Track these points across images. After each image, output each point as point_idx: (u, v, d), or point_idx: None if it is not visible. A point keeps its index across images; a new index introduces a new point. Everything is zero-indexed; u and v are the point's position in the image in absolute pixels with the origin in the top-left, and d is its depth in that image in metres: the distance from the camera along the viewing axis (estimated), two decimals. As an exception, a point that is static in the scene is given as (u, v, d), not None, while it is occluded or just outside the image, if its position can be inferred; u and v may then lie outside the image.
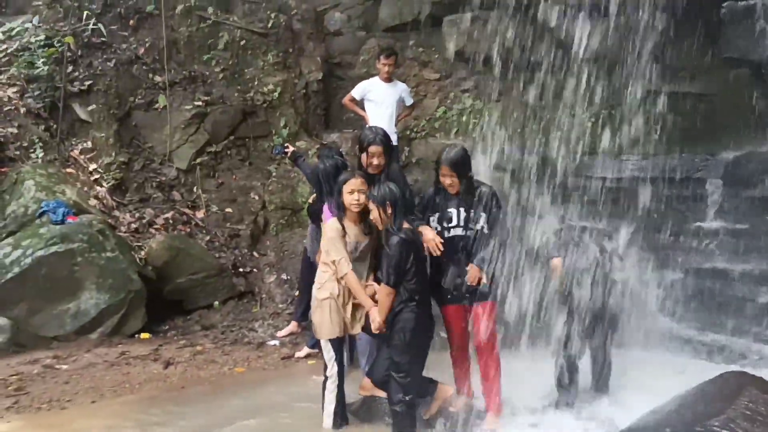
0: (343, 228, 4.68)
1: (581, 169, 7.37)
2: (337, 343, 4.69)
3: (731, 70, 6.84)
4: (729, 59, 6.70)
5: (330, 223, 4.76)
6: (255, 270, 7.95)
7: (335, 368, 4.67)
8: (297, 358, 6.33)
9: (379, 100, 7.58)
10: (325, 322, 4.67)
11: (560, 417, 4.92)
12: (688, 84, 7.22)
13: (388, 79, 7.57)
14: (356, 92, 7.70)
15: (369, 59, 9.46)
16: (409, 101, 7.81)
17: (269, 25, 9.21)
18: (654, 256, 6.53)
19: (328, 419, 4.70)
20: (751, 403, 3.62)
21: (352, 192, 4.61)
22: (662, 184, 6.74)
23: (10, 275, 6.44)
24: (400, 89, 7.71)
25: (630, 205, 6.75)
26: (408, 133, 8.75)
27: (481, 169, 7.58)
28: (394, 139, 7.62)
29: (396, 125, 7.72)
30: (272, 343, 6.72)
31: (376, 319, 4.47)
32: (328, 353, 4.69)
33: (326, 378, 4.72)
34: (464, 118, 8.50)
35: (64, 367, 5.96)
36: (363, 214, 4.69)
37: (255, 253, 8.14)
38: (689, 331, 6.15)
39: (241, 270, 7.84)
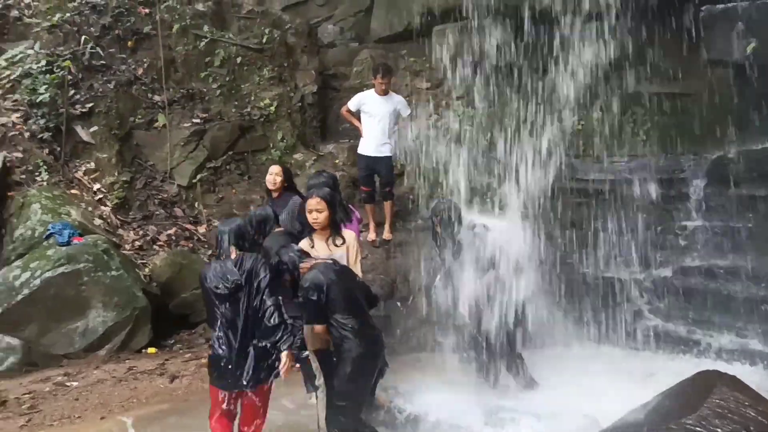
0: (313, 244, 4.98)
1: (570, 171, 7.54)
2: (321, 355, 4.86)
3: (713, 71, 7.00)
4: (710, 61, 6.87)
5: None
6: (257, 282, 8.15)
7: (322, 378, 4.84)
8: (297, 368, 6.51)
9: (373, 113, 7.78)
10: (308, 333, 4.85)
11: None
12: (671, 85, 7.38)
13: (384, 93, 7.77)
14: (352, 104, 7.90)
15: (362, 70, 9.68)
16: (405, 112, 7.99)
17: (264, 40, 9.43)
18: (641, 255, 6.71)
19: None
20: (722, 401, 3.80)
21: (310, 212, 4.91)
22: (648, 184, 6.91)
23: (20, 297, 6.69)
24: (396, 101, 7.89)
25: (616, 206, 6.93)
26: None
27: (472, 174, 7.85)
28: (387, 149, 7.84)
29: (390, 137, 7.91)
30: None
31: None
32: (314, 363, 4.89)
33: (316, 388, 4.91)
34: (456, 126, 8.67)
35: (75, 384, 6.19)
36: (333, 228, 4.99)
37: (257, 265, 8.34)
38: (676, 328, 6.30)
39: (243, 282, 8.05)
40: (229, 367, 4.24)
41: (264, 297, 4.27)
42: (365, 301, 4.76)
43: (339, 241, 4.98)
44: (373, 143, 7.79)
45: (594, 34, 7.65)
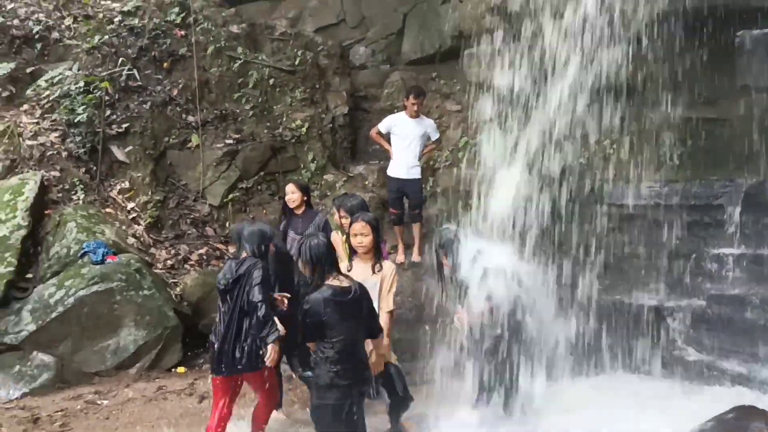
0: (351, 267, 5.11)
1: (601, 195, 7.47)
2: None
3: (749, 96, 6.89)
4: (746, 86, 6.77)
5: None
6: (286, 302, 8.21)
7: None
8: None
9: (403, 135, 7.82)
10: None
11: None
12: (705, 109, 7.28)
13: (415, 115, 7.81)
14: (383, 126, 7.96)
15: (393, 92, 9.75)
16: (435, 136, 8.03)
17: (296, 62, 9.56)
18: (674, 282, 6.60)
19: None
20: (758, 439, 3.72)
21: (355, 235, 5.12)
22: (681, 211, 6.81)
23: (54, 314, 6.83)
24: (426, 125, 7.93)
25: (648, 232, 6.84)
26: (432, 164, 8.96)
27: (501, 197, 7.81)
28: (417, 172, 7.86)
29: (420, 159, 7.93)
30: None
31: None
32: None
33: None
34: (485, 149, 8.65)
35: (105, 402, 6.28)
36: (376, 254, 5.17)
37: (286, 286, 8.40)
38: (710, 358, 6.17)
39: (273, 302, 8.11)
40: (222, 353, 4.86)
41: (254, 293, 4.79)
42: (366, 332, 4.54)
43: (378, 268, 5.07)
44: (403, 166, 7.82)
45: (628, 57, 7.64)
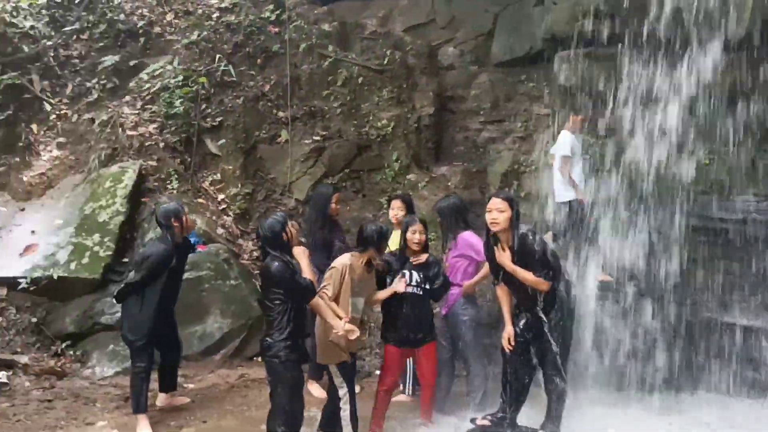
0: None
1: (696, 207, 7.23)
2: (342, 368, 5.12)
3: None
4: None
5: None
6: (365, 298, 8.33)
7: (345, 388, 5.10)
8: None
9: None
10: (325, 348, 5.14)
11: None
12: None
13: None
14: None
15: (480, 93, 9.69)
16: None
17: (385, 61, 9.63)
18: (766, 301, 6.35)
19: None
20: None
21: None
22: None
23: (147, 300, 7.15)
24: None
25: (742, 248, 6.58)
26: (518, 167, 8.88)
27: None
28: None
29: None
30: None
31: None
32: (338, 378, 5.09)
33: (339, 400, 5.11)
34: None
35: (191, 386, 6.55)
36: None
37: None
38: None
39: (352, 297, 8.25)
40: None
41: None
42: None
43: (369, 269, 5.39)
44: None
45: (725, 64, 7.35)
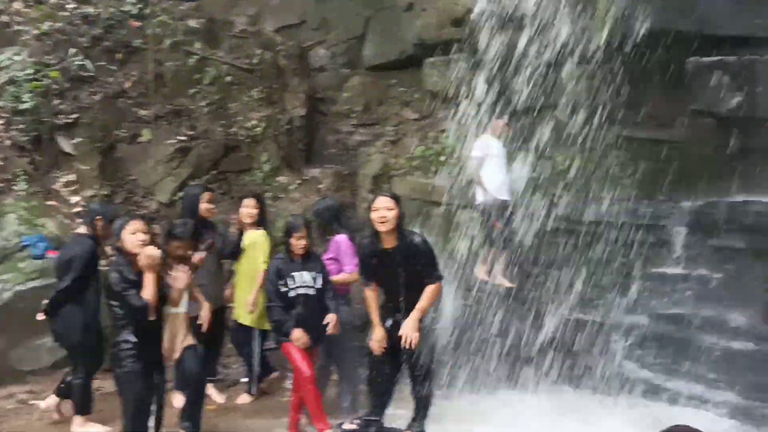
0: None
1: (553, 210, 7.56)
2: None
3: (699, 121, 7.05)
4: (696, 111, 6.93)
5: None
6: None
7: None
8: None
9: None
10: None
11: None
12: (657, 131, 7.43)
13: None
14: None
15: (352, 96, 9.70)
16: None
17: (255, 61, 9.42)
18: (618, 299, 6.73)
19: None
20: (693, 460, 3.77)
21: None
22: (629, 229, 6.94)
23: (-10, 309, 6.57)
24: None
25: (598, 249, 6.95)
26: (388, 170, 8.94)
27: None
28: None
29: None
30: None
31: None
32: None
33: None
34: (443, 158, 8.68)
35: (37, 402, 6.04)
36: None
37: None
38: (650, 375, 6.29)
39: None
40: None
41: None
42: None
43: None
44: None
45: (584, 77, 7.76)
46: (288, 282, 5.41)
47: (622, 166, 7.37)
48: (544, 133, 7.95)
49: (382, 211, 4.87)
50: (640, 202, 7.07)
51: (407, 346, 4.93)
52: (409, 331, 4.90)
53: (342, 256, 6.02)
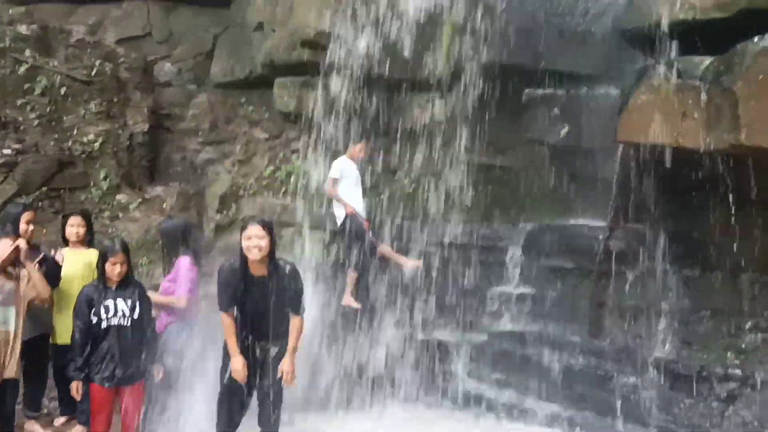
0: None
1: (400, 233, 7.75)
2: None
3: (533, 149, 7.55)
4: (531, 139, 7.41)
5: None
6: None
7: None
8: None
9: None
10: None
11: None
12: (495, 157, 7.86)
13: None
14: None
15: (199, 113, 9.42)
16: None
17: (93, 72, 8.91)
18: (460, 318, 7.00)
19: None
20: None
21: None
22: (470, 251, 7.25)
23: None
24: None
25: (440, 270, 7.20)
26: (236, 190, 8.75)
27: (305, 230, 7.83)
28: None
29: None
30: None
31: None
32: None
33: None
34: (292, 179, 8.63)
35: None
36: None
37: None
38: (488, 390, 6.56)
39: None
40: None
41: None
42: None
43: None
44: None
45: (430, 103, 8.08)
46: (101, 312, 4.93)
47: (464, 190, 7.70)
48: (395, 155, 8.21)
49: (255, 239, 4.67)
50: (480, 224, 7.42)
51: (284, 384, 4.88)
52: (287, 367, 4.83)
53: (179, 278, 5.73)
